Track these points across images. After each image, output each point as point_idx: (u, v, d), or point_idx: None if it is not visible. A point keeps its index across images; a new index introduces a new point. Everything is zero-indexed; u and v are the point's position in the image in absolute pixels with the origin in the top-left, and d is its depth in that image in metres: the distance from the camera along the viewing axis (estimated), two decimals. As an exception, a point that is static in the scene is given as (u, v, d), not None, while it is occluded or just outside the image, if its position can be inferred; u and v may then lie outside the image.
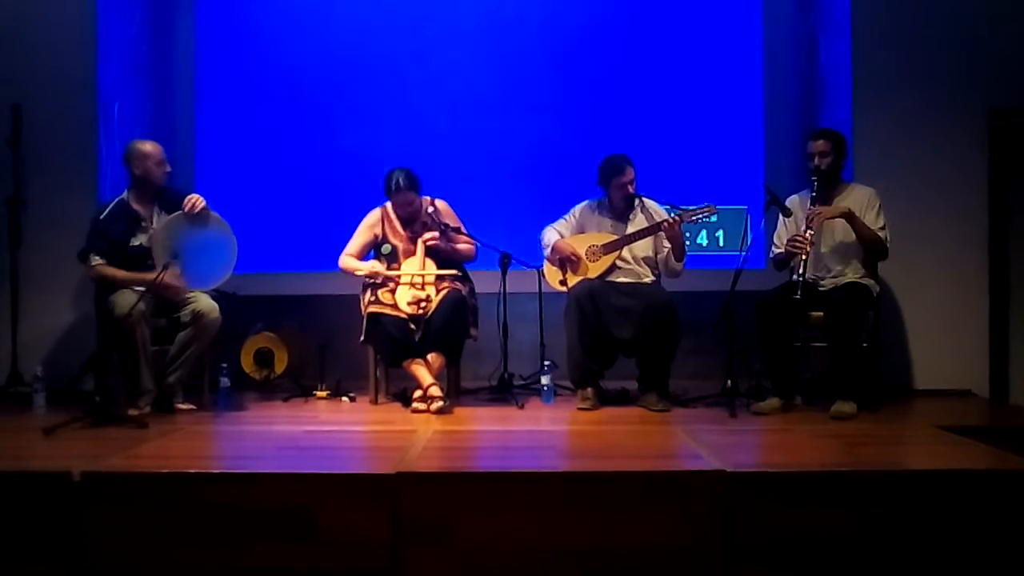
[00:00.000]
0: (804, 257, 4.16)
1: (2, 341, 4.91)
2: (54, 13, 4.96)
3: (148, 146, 4.40)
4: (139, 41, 5.49)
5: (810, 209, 4.26)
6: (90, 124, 4.99)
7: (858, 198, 4.34)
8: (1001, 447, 3.32)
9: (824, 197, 4.32)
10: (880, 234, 4.26)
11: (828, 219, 4.24)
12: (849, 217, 4.21)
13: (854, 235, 4.23)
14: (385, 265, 4.63)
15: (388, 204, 4.72)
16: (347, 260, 4.67)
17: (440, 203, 4.75)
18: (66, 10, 4.97)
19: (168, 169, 4.44)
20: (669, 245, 4.47)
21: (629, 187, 4.52)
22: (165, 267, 4.13)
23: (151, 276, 4.14)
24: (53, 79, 4.95)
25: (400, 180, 4.55)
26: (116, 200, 4.40)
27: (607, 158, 4.58)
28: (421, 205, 4.67)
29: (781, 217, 4.45)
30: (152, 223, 4.38)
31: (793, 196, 4.51)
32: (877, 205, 4.31)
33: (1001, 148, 4.83)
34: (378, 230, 4.70)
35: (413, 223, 4.67)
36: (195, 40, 5.82)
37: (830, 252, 4.34)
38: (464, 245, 4.72)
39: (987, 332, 4.83)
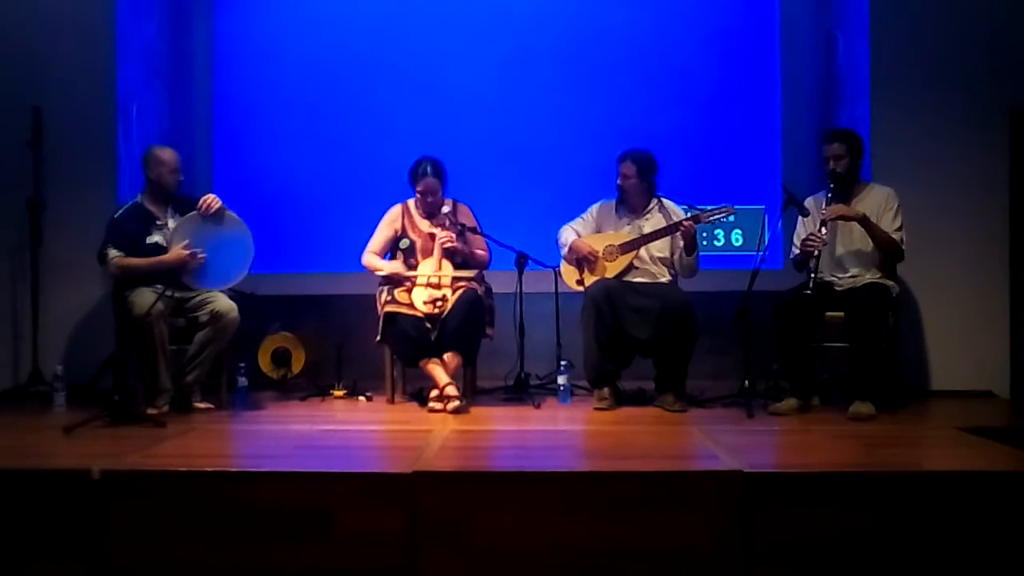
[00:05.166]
0: (817, 255, 4.15)
1: (23, 340, 4.95)
2: (74, 16, 4.99)
3: (165, 154, 4.46)
4: (157, 43, 5.52)
5: (824, 210, 4.24)
6: (109, 126, 5.03)
7: (876, 199, 4.31)
8: (1021, 448, 3.29)
9: (842, 198, 4.30)
10: (896, 236, 4.24)
11: (841, 219, 4.21)
12: (863, 221, 4.19)
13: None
14: (402, 259, 4.65)
15: (410, 200, 4.74)
16: (370, 258, 4.69)
17: (462, 206, 4.76)
18: (85, 12, 5.00)
19: (181, 178, 4.50)
20: (683, 243, 4.46)
21: (620, 182, 4.54)
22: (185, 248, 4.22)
23: (168, 256, 4.23)
24: (73, 81, 4.98)
25: (428, 167, 4.58)
26: (132, 202, 4.49)
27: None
28: (442, 200, 4.67)
29: (800, 219, 4.43)
30: (167, 223, 4.42)
31: (810, 198, 4.49)
32: (895, 207, 4.28)
33: (1021, 147, 4.78)
34: (398, 225, 4.72)
35: (432, 218, 4.68)
36: (213, 42, 5.85)
37: (848, 252, 4.32)
38: (480, 251, 4.73)
39: (1008, 332, 4.78)
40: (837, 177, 4.27)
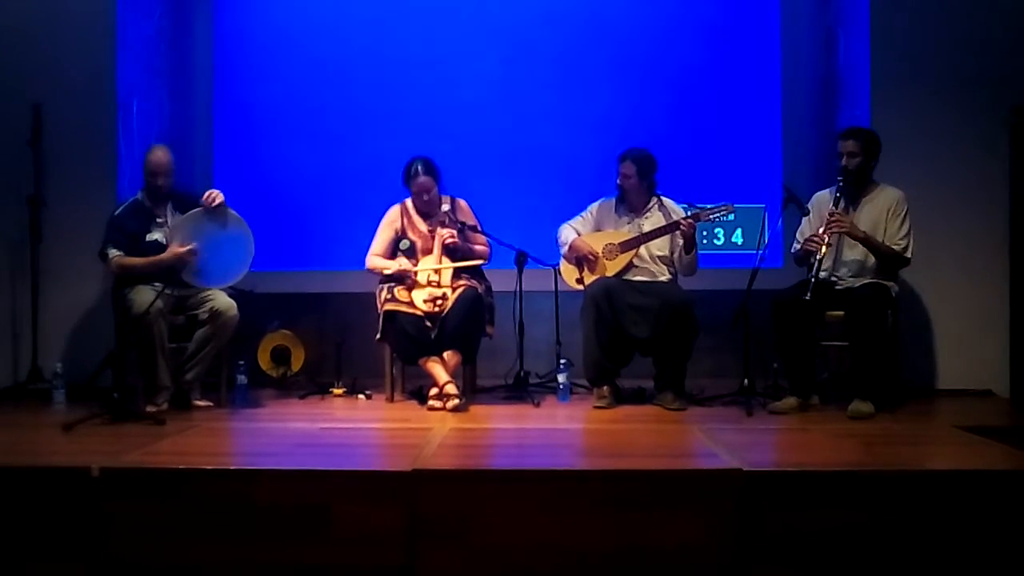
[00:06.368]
0: (819, 257, 4.15)
1: (22, 338, 4.95)
2: (74, 13, 4.99)
3: (155, 155, 4.42)
4: (158, 40, 5.51)
5: (831, 208, 4.23)
6: (109, 123, 5.02)
7: (884, 202, 4.29)
8: (1020, 447, 3.29)
9: (851, 196, 4.30)
10: (900, 243, 4.22)
11: (845, 234, 4.19)
12: (866, 242, 4.19)
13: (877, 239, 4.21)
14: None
15: (407, 200, 4.73)
16: (374, 260, 4.66)
17: (460, 202, 4.75)
18: (86, 10, 5.00)
19: (170, 181, 4.43)
20: (682, 241, 4.46)
21: (620, 181, 4.54)
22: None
23: (165, 256, 4.24)
24: (73, 78, 4.97)
25: (419, 167, 4.57)
26: (131, 199, 4.49)
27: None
28: (439, 198, 4.67)
29: (804, 216, 4.41)
30: (167, 221, 4.42)
31: (823, 192, 4.47)
32: (903, 212, 4.25)
33: (1022, 146, 4.77)
34: (398, 225, 4.71)
35: (431, 218, 4.68)
36: (213, 39, 5.84)
37: (849, 255, 4.30)
38: (479, 247, 4.72)
39: (1007, 331, 4.77)
40: (848, 174, 4.25)
